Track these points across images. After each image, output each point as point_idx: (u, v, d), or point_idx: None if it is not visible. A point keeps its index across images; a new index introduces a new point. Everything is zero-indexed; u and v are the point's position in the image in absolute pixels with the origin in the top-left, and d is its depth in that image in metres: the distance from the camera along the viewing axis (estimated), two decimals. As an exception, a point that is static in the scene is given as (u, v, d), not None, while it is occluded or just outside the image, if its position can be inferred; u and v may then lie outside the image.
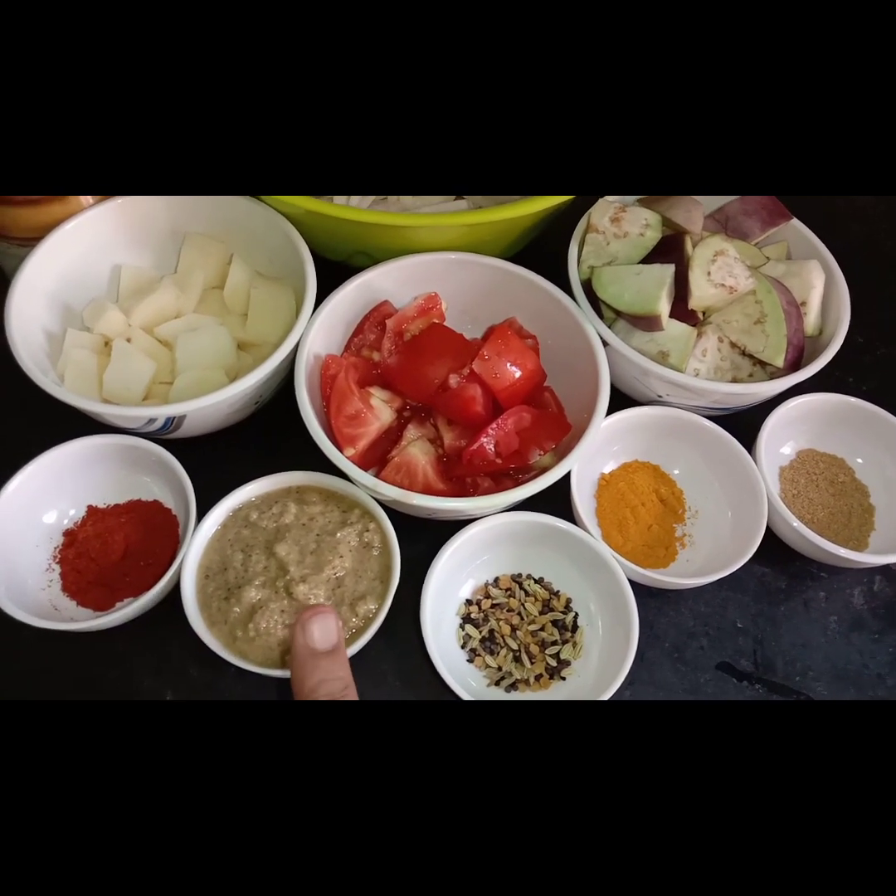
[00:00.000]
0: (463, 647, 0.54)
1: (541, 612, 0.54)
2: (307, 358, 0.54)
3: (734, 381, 0.58)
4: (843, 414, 0.61)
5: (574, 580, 0.55)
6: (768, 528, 0.58)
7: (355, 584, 0.50)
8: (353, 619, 0.49)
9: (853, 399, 0.60)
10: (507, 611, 0.54)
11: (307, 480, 0.55)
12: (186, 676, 0.53)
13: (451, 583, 0.55)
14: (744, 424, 0.60)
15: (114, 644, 0.53)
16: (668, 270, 0.56)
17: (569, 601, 0.55)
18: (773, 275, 0.60)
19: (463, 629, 0.54)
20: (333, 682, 0.43)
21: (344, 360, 0.56)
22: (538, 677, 0.52)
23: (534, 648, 0.53)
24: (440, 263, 0.59)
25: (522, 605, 0.54)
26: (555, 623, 0.54)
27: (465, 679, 0.52)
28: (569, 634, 0.54)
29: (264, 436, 0.60)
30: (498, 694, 0.52)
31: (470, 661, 0.53)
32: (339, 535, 0.51)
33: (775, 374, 0.58)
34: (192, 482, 0.53)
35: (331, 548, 0.50)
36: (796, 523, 0.55)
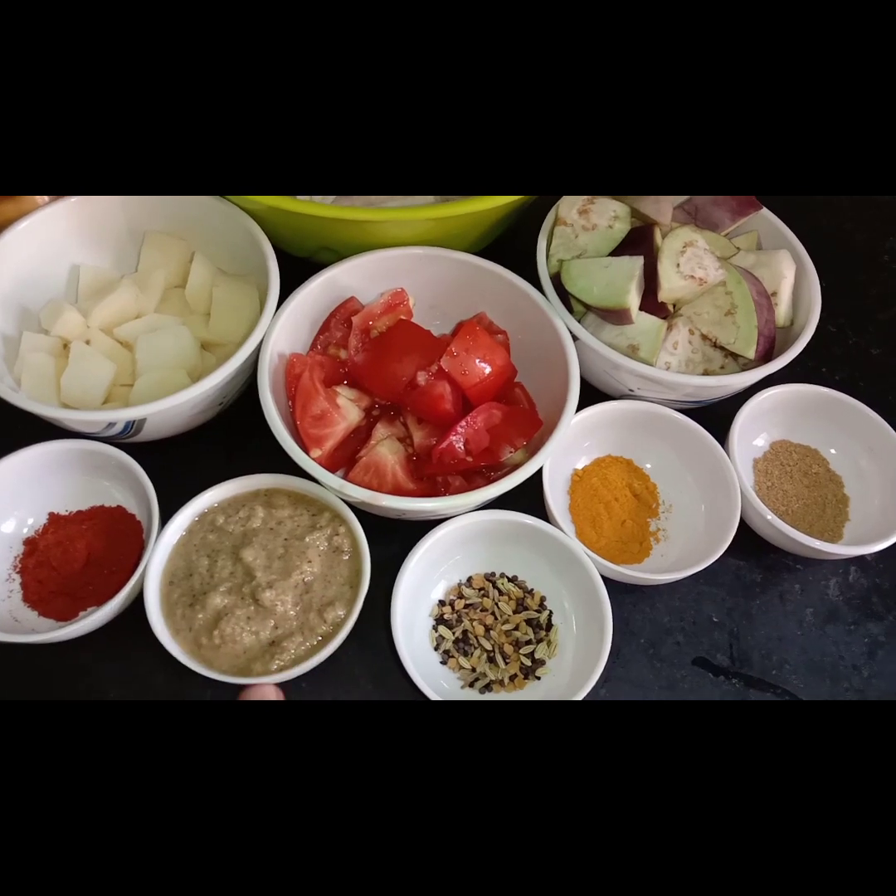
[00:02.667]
0: (436, 648, 0.53)
1: (515, 611, 0.54)
2: (271, 357, 0.53)
3: (706, 373, 0.58)
4: (815, 404, 0.61)
5: (548, 578, 0.55)
6: (743, 522, 0.58)
7: (324, 590, 0.49)
8: (322, 626, 0.48)
9: (825, 389, 0.60)
10: (481, 611, 0.54)
11: (276, 483, 0.53)
12: (153, 687, 0.52)
13: (423, 584, 0.54)
14: (716, 417, 0.59)
15: (78, 655, 0.52)
16: (637, 263, 0.55)
17: (543, 599, 0.54)
18: (744, 265, 0.59)
19: (436, 631, 0.53)
20: None
21: (309, 358, 0.54)
22: (512, 677, 0.51)
23: (508, 648, 0.52)
24: (407, 259, 0.58)
25: (496, 604, 0.54)
26: (529, 622, 0.53)
27: (438, 681, 0.51)
28: (543, 633, 0.53)
29: (230, 438, 0.59)
30: (472, 695, 0.51)
31: (444, 662, 0.52)
32: (307, 539, 0.50)
33: (747, 365, 0.58)
34: (157, 487, 0.52)
35: (299, 552, 0.49)
36: (770, 516, 0.54)
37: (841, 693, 0.55)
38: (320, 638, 0.48)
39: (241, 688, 0.45)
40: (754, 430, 0.61)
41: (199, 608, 0.47)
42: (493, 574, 0.55)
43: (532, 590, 0.55)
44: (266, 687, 0.44)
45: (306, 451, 0.51)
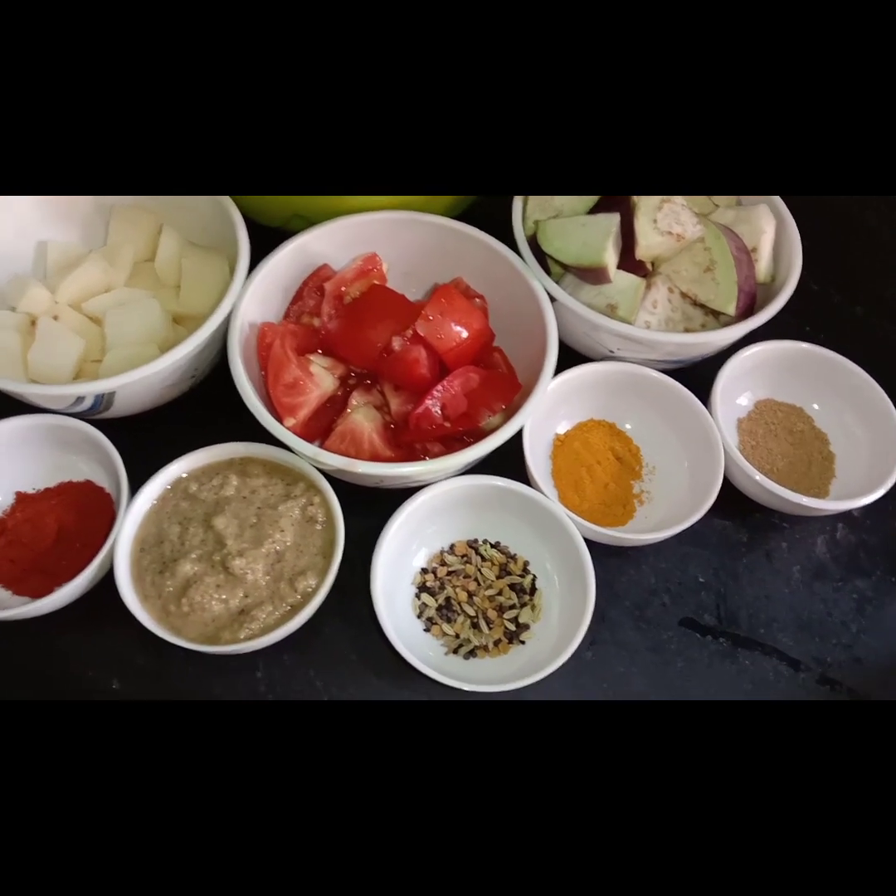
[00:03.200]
0: (419, 616, 0.52)
1: (498, 577, 0.53)
2: (241, 326, 0.51)
3: (686, 332, 0.57)
4: (799, 361, 0.60)
5: (530, 542, 0.54)
6: (728, 481, 0.57)
7: (296, 560, 0.48)
8: (293, 596, 0.47)
9: (808, 345, 0.59)
10: (464, 577, 0.53)
11: (251, 452, 0.52)
12: (132, 664, 0.51)
13: (404, 552, 0.53)
14: (699, 377, 0.58)
15: (55, 634, 0.51)
16: (614, 220, 0.54)
17: (526, 564, 0.54)
18: (723, 221, 0.58)
19: (419, 599, 0.53)
20: None
21: (281, 327, 0.53)
22: (497, 642, 0.51)
23: (491, 614, 0.52)
24: (380, 223, 0.57)
25: (479, 570, 0.53)
26: (512, 587, 0.53)
27: (422, 649, 0.51)
28: (527, 597, 0.52)
29: (205, 411, 0.58)
30: (456, 661, 0.51)
31: (427, 630, 0.52)
32: (280, 508, 0.49)
33: (728, 323, 0.57)
34: (131, 463, 0.51)
35: (271, 521, 0.48)
36: (756, 475, 0.53)
37: (830, 650, 0.54)
38: (290, 607, 0.47)
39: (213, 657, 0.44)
40: (738, 389, 0.60)
41: (168, 575, 0.47)
42: (475, 540, 0.55)
43: (515, 555, 0.54)
44: None
45: (280, 421, 0.50)
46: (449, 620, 0.51)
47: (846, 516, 0.59)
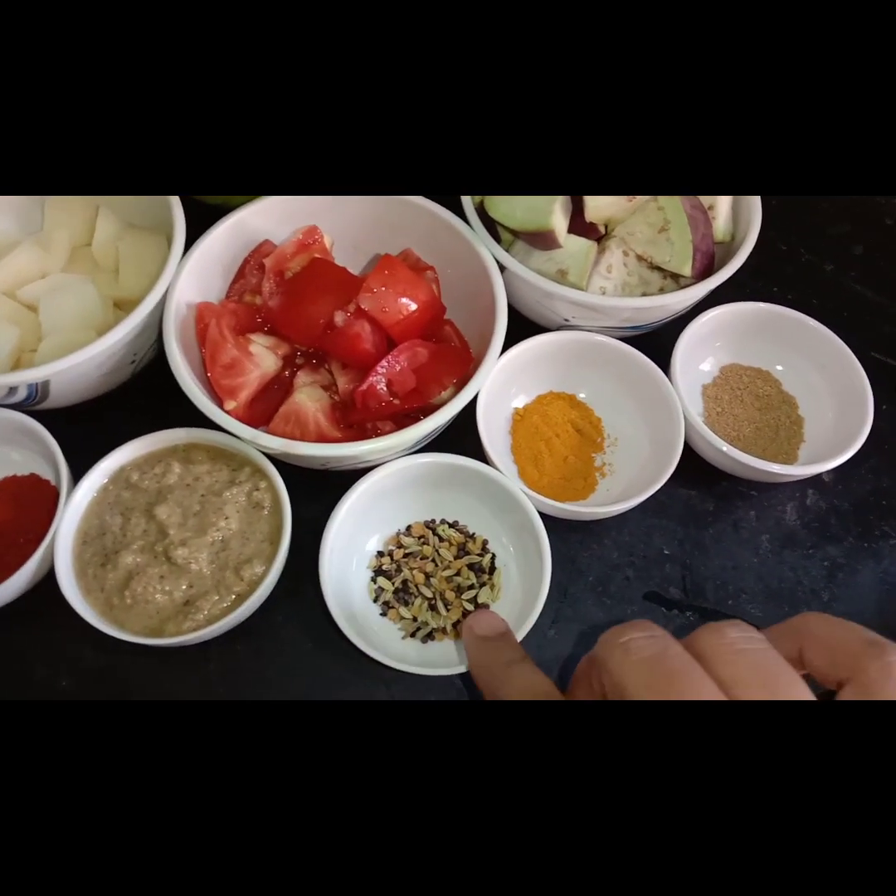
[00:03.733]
0: (376, 600, 0.51)
1: (456, 557, 0.51)
2: (178, 308, 0.50)
3: (644, 296, 0.55)
4: (760, 322, 0.58)
5: (488, 520, 0.52)
6: (693, 451, 0.55)
7: (241, 547, 0.46)
8: (239, 584, 0.45)
9: (768, 305, 0.57)
10: (421, 559, 0.51)
11: (194, 438, 0.51)
12: (81, 660, 0.49)
13: (357, 535, 0.51)
14: (662, 344, 0.56)
15: (1, 632, 0.50)
16: (561, 181, 0.52)
17: (485, 543, 0.52)
18: (678, 180, 0.56)
19: (375, 582, 0.51)
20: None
21: (218, 307, 0.51)
22: (455, 624, 0.49)
23: (449, 595, 0.50)
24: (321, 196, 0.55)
25: (436, 551, 0.51)
26: (471, 566, 0.51)
27: (378, 635, 0.49)
28: (486, 577, 0.51)
29: (149, 399, 0.56)
30: (414, 645, 0.49)
31: (383, 614, 0.50)
32: (225, 495, 0.47)
33: (687, 285, 0.55)
34: (74, 455, 0.50)
35: (215, 509, 0.47)
36: (722, 445, 0.52)
37: (800, 619, 0.52)
38: (236, 596, 0.45)
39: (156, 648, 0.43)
40: (700, 355, 0.59)
41: (110, 567, 0.45)
42: (432, 521, 0.53)
43: (473, 534, 0.52)
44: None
45: (220, 404, 0.48)
46: (406, 603, 0.50)
47: (816, 482, 0.57)
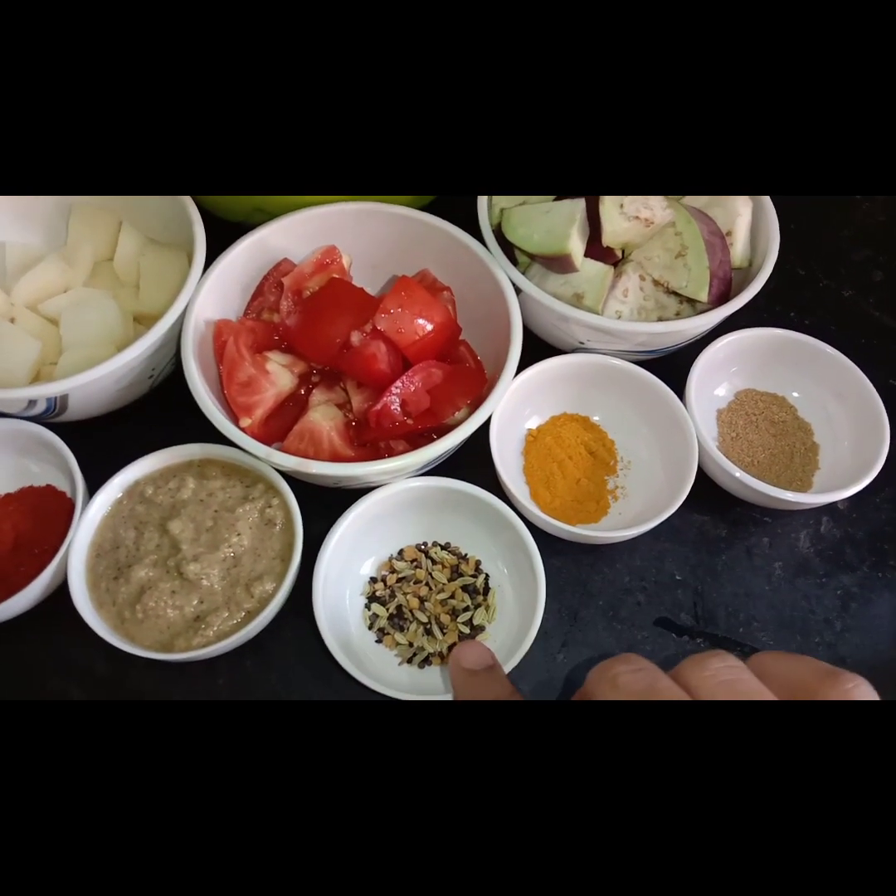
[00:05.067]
0: (371, 627, 0.51)
1: (450, 579, 0.51)
2: (196, 323, 0.50)
3: (660, 321, 0.55)
4: (777, 348, 0.58)
5: (480, 541, 0.52)
6: (707, 476, 0.55)
7: (253, 564, 0.47)
8: (249, 601, 0.46)
9: (785, 331, 0.57)
10: (415, 583, 0.51)
11: (209, 454, 0.51)
12: (92, 673, 0.50)
13: (351, 562, 0.51)
14: (677, 368, 0.56)
15: (12, 643, 0.50)
16: (579, 205, 0.52)
17: (478, 563, 0.52)
18: (696, 205, 0.56)
19: (369, 609, 0.51)
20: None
21: (237, 324, 0.52)
22: (452, 648, 0.49)
23: (444, 618, 0.50)
24: (342, 215, 0.55)
25: (430, 574, 0.51)
26: (465, 588, 0.51)
27: (374, 662, 0.49)
28: (480, 598, 0.51)
29: (166, 413, 0.56)
30: (411, 671, 0.49)
31: (379, 641, 0.50)
32: (238, 511, 0.48)
33: (704, 311, 0.55)
34: (91, 467, 0.50)
35: (228, 525, 0.47)
36: (736, 471, 0.51)
37: (812, 648, 0.52)
38: (246, 613, 0.46)
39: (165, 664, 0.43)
40: (716, 380, 0.58)
41: (122, 581, 0.46)
42: (424, 544, 0.53)
43: (466, 555, 0.52)
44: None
45: (236, 421, 0.48)
46: (401, 629, 0.50)
47: (831, 509, 0.57)
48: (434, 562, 0.51)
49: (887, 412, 0.54)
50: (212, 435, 0.49)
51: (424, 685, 0.47)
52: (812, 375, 0.58)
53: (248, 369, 0.49)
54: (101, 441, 0.53)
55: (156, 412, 0.56)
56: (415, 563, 0.51)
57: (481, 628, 0.50)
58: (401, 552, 0.52)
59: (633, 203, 0.52)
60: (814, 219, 0.71)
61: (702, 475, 0.54)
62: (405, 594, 0.50)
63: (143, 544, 0.47)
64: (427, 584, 0.51)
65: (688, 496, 0.50)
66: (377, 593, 0.51)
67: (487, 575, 0.51)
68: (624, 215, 0.52)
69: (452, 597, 0.50)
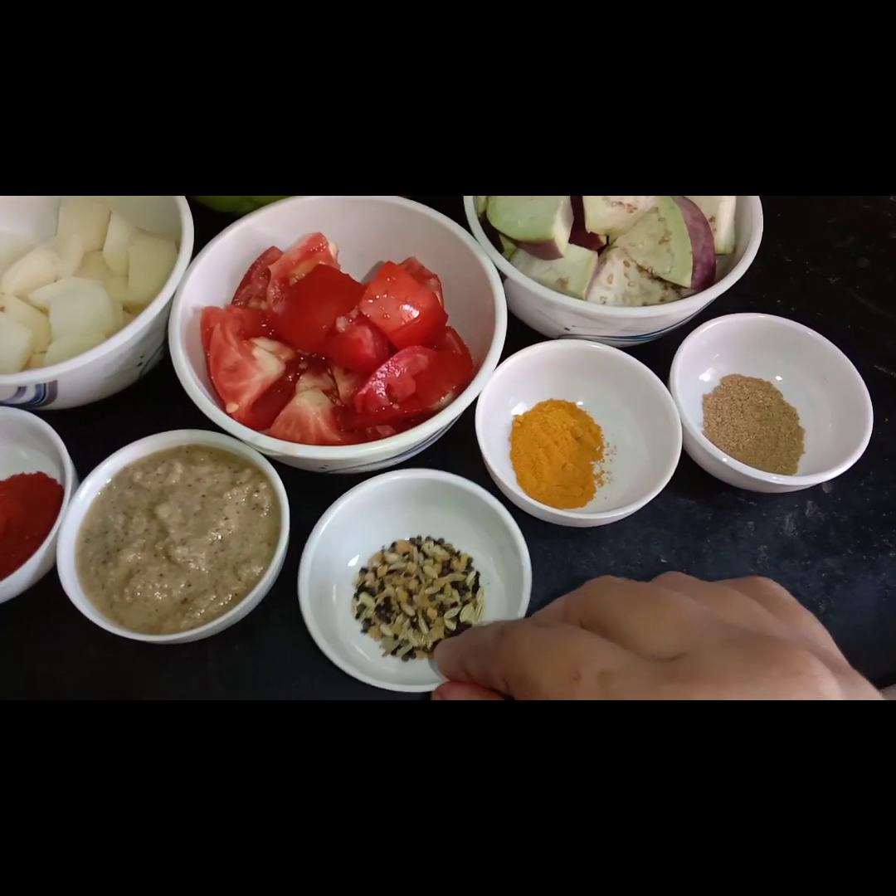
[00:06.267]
0: (358, 616, 0.51)
1: (440, 575, 0.51)
2: (183, 311, 0.51)
3: (645, 307, 0.55)
4: (762, 334, 0.58)
5: (473, 538, 0.52)
6: (693, 461, 0.55)
7: (240, 547, 0.47)
8: (236, 584, 0.46)
9: (769, 316, 0.57)
10: (405, 576, 0.51)
11: (197, 440, 0.52)
12: (82, 656, 0.50)
13: (340, 550, 0.52)
14: (663, 354, 0.57)
15: (2, 628, 0.51)
16: (563, 192, 0.52)
17: (470, 561, 0.52)
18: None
19: (357, 599, 0.51)
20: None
21: (224, 311, 0.52)
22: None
23: (431, 613, 0.50)
24: (329, 203, 0.56)
25: (421, 568, 0.51)
26: (454, 584, 0.51)
27: (358, 651, 0.49)
28: (469, 595, 0.51)
29: (155, 402, 0.57)
30: (395, 663, 0.49)
31: (364, 631, 0.50)
32: (226, 495, 0.48)
33: (688, 296, 0.55)
34: (80, 454, 0.51)
35: (216, 509, 0.48)
36: (720, 454, 0.52)
37: (796, 630, 0.52)
38: (233, 596, 0.46)
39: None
40: (701, 365, 0.59)
41: (111, 565, 0.46)
42: (418, 538, 0.53)
43: (459, 552, 0.52)
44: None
45: (223, 407, 0.49)
46: (387, 621, 0.50)
47: (816, 493, 0.57)
48: (426, 556, 0.52)
49: (872, 397, 0.55)
50: (200, 421, 0.49)
51: (408, 676, 0.47)
52: (796, 360, 0.58)
53: (235, 355, 0.49)
54: (91, 429, 0.54)
55: (145, 400, 0.57)
56: (407, 557, 0.52)
57: (468, 625, 0.50)
58: (394, 545, 0.53)
59: (617, 189, 0.53)
60: (800, 207, 0.71)
61: (688, 460, 0.54)
62: (395, 586, 0.50)
63: (131, 529, 0.47)
64: (417, 577, 0.51)
65: (674, 481, 0.51)
66: (367, 584, 0.51)
67: (478, 572, 0.52)
68: (607, 201, 0.52)
69: (441, 592, 0.50)
